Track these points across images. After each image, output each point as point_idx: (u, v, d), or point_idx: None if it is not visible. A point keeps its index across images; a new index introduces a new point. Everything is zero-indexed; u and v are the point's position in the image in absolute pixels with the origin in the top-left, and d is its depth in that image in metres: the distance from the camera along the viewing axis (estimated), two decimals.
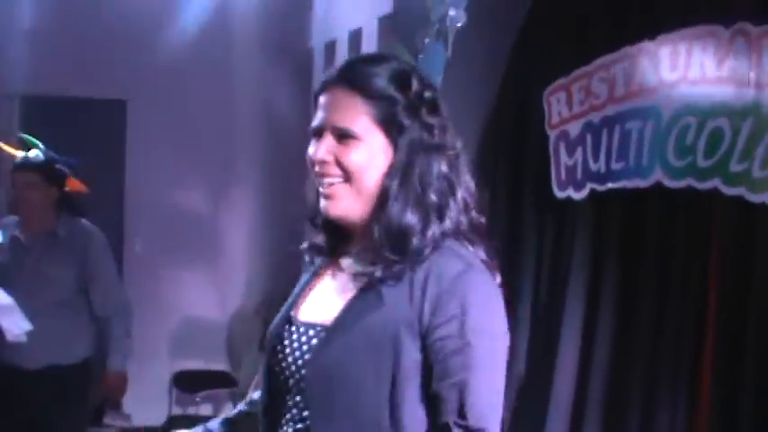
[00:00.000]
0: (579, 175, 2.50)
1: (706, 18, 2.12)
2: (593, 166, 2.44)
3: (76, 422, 3.48)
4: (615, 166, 2.36)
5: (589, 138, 2.47)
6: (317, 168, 1.39)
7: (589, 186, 2.46)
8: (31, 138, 3.43)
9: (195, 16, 5.47)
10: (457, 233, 1.40)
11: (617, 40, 2.37)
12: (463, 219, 1.41)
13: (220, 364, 5.71)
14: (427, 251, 1.36)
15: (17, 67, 5.44)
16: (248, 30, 5.77)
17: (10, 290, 3.22)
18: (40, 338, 3.21)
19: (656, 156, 2.22)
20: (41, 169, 3.36)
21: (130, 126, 5.79)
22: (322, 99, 1.40)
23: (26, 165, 3.34)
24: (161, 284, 5.63)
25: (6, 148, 3.36)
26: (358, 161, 1.36)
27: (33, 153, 3.37)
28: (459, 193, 1.43)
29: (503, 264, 2.55)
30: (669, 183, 2.18)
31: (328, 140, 1.37)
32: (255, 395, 1.61)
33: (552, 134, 2.62)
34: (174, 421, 4.80)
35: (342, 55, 4.76)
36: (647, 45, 2.27)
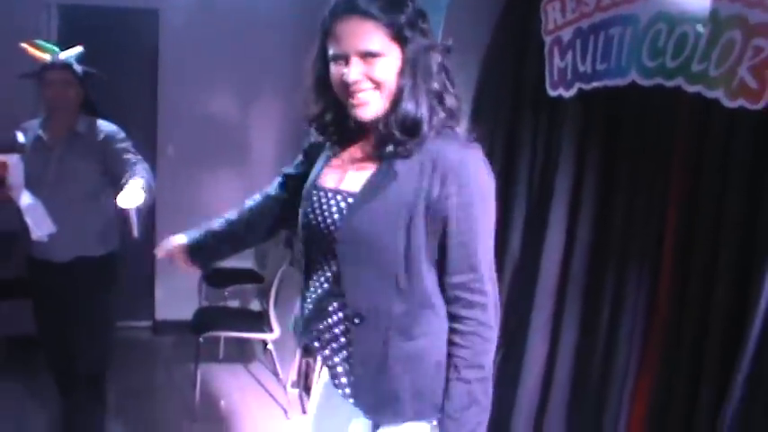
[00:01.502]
0: (569, 75, 2.81)
1: None
2: (580, 68, 2.75)
3: (106, 311, 3.58)
4: (599, 67, 2.67)
5: (578, 42, 2.77)
6: (351, 87, 1.78)
7: (577, 86, 2.78)
8: (47, 43, 3.58)
9: None
10: (452, 116, 1.79)
11: None
12: (454, 102, 1.80)
13: (248, 262, 6.08)
14: (432, 134, 1.75)
15: None
16: None
17: (36, 188, 3.36)
18: (67, 232, 3.39)
19: (632, 58, 2.53)
20: (75, 69, 3.54)
21: (162, 34, 6.07)
22: (338, 30, 1.81)
23: (64, 64, 3.51)
24: (192, 187, 6.00)
25: (33, 50, 3.48)
26: (384, 72, 1.79)
27: (64, 55, 3.54)
28: (451, 79, 1.84)
29: (504, 153, 2.90)
30: (642, 81, 2.49)
31: (356, 63, 1.77)
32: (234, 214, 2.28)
33: (548, 40, 2.93)
34: (201, 312, 5.19)
35: None
36: None
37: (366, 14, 1.79)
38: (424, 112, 1.80)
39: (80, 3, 5.94)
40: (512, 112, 3.20)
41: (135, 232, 2.84)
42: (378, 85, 1.82)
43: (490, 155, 3.27)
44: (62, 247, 3.46)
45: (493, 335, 1.80)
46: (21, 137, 3.36)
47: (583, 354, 2.80)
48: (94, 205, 3.51)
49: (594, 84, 2.70)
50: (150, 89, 6.01)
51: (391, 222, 1.80)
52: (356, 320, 1.82)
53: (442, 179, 1.77)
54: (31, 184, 3.35)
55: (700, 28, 2.28)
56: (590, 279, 2.80)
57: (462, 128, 1.89)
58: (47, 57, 3.52)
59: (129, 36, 5.98)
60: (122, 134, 3.57)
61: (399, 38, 1.79)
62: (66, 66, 3.51)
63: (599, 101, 2.76)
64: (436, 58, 1.83)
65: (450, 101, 1.85)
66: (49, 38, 6.01)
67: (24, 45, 3.47)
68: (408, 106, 1.80)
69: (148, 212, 3.78)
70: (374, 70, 1.81)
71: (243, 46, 6.16)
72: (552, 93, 2.89)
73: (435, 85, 1.82)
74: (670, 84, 2.37)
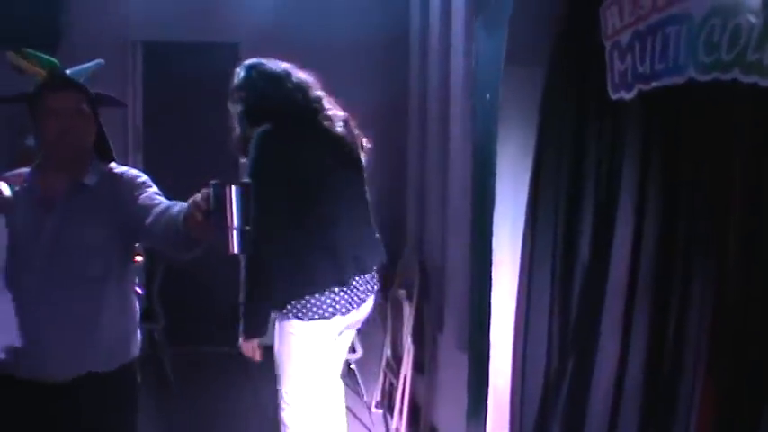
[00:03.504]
0: (629, 78, 2.85)
1: None
2: (639, 69, 2.79)
3: None
4: (657, 66, 2.70)
5: (637, 44, 2.81)
6: None
7: (637, 87, 2.81)
8: (42, 55, 2.58)
9: None
10: None
11: None
12: None
13: None
14: None
15: (140, 14, 6.00)
16: None
17: (23, 266, 2.48)
18: (68, 336, 2.52)
19: (689, 55, 2.55)
20: (86, 91, 2.59)
21: None
22: None
23: (73, 83, 2.55)
24: None
25: (21, 62, 2.54)
26: None
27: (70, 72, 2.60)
28: None
29: (571, 160, 2.96)
30: (700, 77, 2.52)
31: None
32: None
33: (608, 45, 2.98)
34: None
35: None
36: None
37: None
38: None
39: (164, 40, 6.20)
40: (577, 119, 3.25)
41: (235, 248, 2.23)
42: None
43: (557, 162, 3.33)
44: (59, 360, 2.52)
45: None
46: (5, 189, 2.46)
47: (653, 354, 2.81)
48: (109, 292, 2.60)
49: (654, 84, 2.72)
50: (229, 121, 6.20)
51: None
52: None
53: None
54: (16, 261, 2.48)
55: (753, 18, 2.31)
56: (658, 277, 2.82)
57: None
58: (40, 71, 2.55)
59: (211, 70, 6.18)
60: (147, 179, 2.72)
61: None
62: (75, 86, 2.57)
63: (659, 100, 2.79)
64: None
65: None
66: (135, 75, 6.31)
67: (10, 55, 2.53)
68: None
69: None
70: None
71: (322, 78, 6.30)
72: (614, 96, 2.93)
73: None
74: (726, 77, 2.39)
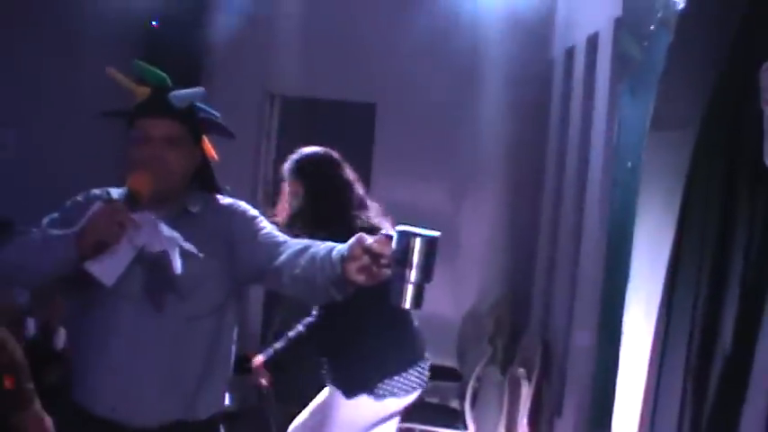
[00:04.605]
0: None
1: None
2: None
3: None
4: None
5: None
6: None
7: None
8: (152, 68, 2.39)
9: (439, 26, 5.81)
10: None
11: None
12: None
13: (449, 360, 5.96)
14: None
15: (280, 68, 6.03)
16: (492, 38, 6.01)
17: (120, 290, 2.27)
18: (160, 380, 2.34)
19: None
20: (189, 117, 2.38)
21: (379, 127, 6.22)
22: None
23: (173, 108, 2.33)
24: None
25: (125, 81, 2.38)
26: None
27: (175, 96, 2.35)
28: None
29: (718, 232, 2.68)
30: None
31: None
32: None
33: (766, 110, 2.69)
34: None
35: (580, 60, 4.90)
36: None
37: None
38: None
39: (302, 95, 6.20)
40: (727, 190, 2.94)
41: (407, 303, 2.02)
42: None
43: (702, 237, 3.01)
44: (149, 404, 2.34)
45: None
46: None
47: None
48: (211, 333, 2.40)
49: None
50: (363, 180, 6.15)
51: None
52: None
53: None
54: (113, 289, 2.25)
55: None
56: None
57: None
58: (138, 89, 2.38)
59: (346, 127, 6.16)
60: (258, 213, 2.53)
61: None
62: (174, 112, 2.34)
63: None
64: None
65: None
66: (270, 128, 6.32)
67: (110, 71, 2.37)
68: None
69: None
70: None
71: (457, 141, 6.22)
72: None
73: None
74: None
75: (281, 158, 6.26)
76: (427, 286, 2.00)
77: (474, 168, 6.27)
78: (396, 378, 3.47)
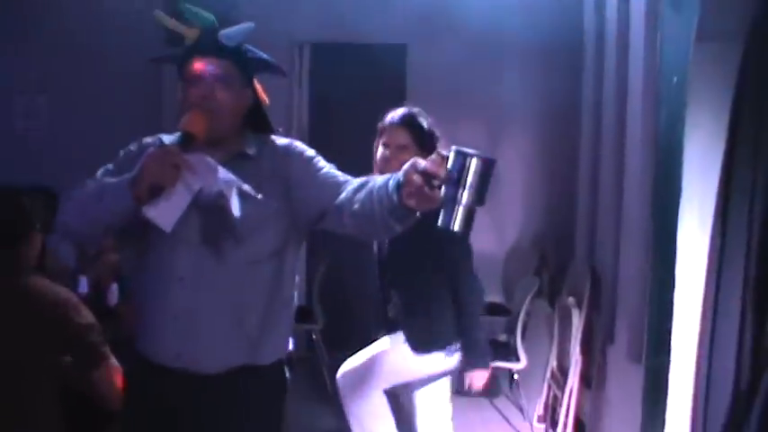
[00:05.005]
0: None
1: None
2: None
3: None
4: None
5: None
6: None
7: None
8: (199, 10, 2.33)
9: None
10: None
11: None
12: None
13: (496, 296, 5.96)
14: None
15: (308, 15, 5.97)
16: None
17: (178, 235, 2.24)
18: (223, 325, 2.32)
19: None
20: (239, 56, 2.35)
21: (410, 68, 6.16)
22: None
23: (223, 47, 2.30)
24: None
25: (173, 23, 2.33)
26: None
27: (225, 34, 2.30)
28: None
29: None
30: None
31: None
32: None
33: None
34: None
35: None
36: None
37: None
38: None
39: (332, 41, 6.15)
40: None
41: (457, 225, 1.95)
42: None
43: (754, 150, 2.95)
44: (213, 350, 2.32)
45: None
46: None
47: None
48: (272, 278, 2.36)
49: None
50: None
51: None
52: None
53: None
54: (172, 234, 2.23)
55: None
56: None
57: None
58: (187, 31, 2.34)
59: (378, 70, 6.11)
60: (315, 153, 2.45)
61: None
62: (224, 50, 2.31)
63: None
64: None
65: None
66: (302, 76, 6.27)
67: (158, 14, 2.32)
68: None
69: None
70: None
71: (490, 77, 6.14)
72: None
73: None
74: None
75: (313, 105, 6.28)
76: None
77: (509, 103, 6.21)
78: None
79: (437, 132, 3.54)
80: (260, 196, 2.29)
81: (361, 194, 2.15)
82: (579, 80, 5.75)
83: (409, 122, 3.51)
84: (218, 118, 2.31)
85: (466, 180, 1.91)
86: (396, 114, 3.55)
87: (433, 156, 1.95)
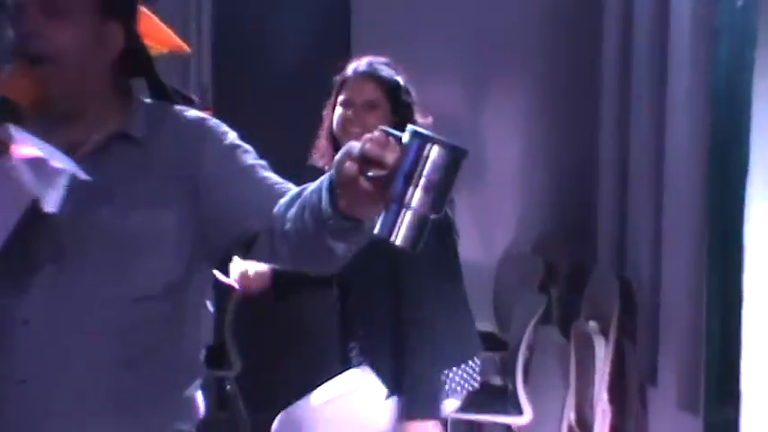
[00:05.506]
0: None
1: None
2: None
3: None
4: None
5: None
6: None
7: None
8: None
9: None
10: None
11: None
12: None
13: (484, 322, 5.80)
14: None
15: None
16: None
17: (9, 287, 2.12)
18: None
19: None
20: None
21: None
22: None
23: None
24: None
25: None
26: None
27: None
28: None
29: None
30: None
31: None
32: None
33: None
34: None
35: None
36: None
37: None
38: None
39: None
40: None
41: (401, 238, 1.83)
42: None
43: None
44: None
45: None
46: None
47: None
48: (168, 322, 2.25)
49: None
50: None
51: None
52: None
53: None
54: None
55: None
56: None
57: None
58: None
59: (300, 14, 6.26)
60: (235, 135, 2.29)
61: None
62: None
63: None
64: None
65: None
66: (201, 20, 6.17)
67: None
68: None
69: None
70: None
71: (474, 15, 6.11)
72: None
73: None
74: None
75: (218, 57, 6.21)
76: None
77: (499, 46, 6.10)
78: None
79: (414, 96, 3.66)
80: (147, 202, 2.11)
81: (294, 209, 1.97)
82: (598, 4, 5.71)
83: (379, 74, 3.64)
84: (58, 73, 2.05)
85: (420, 174, 1.75)
86: (361, 63, 3.68)
87: (376, 133, 1.77)
